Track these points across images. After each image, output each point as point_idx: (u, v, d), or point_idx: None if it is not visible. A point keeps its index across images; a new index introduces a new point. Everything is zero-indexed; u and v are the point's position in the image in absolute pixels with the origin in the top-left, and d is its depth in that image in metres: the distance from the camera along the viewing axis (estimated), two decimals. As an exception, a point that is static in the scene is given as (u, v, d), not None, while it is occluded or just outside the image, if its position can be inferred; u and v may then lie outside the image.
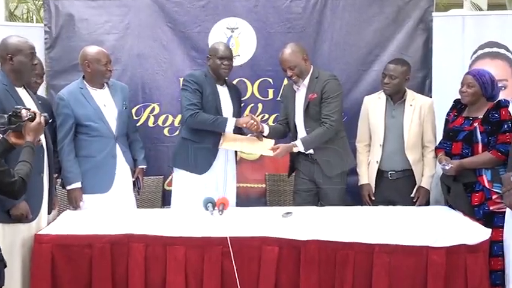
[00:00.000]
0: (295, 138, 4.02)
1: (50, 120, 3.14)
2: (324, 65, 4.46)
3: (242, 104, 4.39)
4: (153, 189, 4.63)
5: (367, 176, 4.08)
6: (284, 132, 4.17)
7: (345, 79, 4.53)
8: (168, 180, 4.64)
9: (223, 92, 4.06)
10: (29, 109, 2.84)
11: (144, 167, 4.11)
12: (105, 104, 3.88)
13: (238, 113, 4.12)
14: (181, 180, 4.04)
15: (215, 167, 4.00)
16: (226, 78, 4.11)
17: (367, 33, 4.61)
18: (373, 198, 4.04)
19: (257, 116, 4.58)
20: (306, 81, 3.96)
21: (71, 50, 4.52)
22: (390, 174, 3.99)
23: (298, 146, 3.90)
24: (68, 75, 4.50)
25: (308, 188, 4.04)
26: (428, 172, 3.97)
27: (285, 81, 4.51)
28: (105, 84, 3.93)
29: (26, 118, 2.78)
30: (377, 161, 4.00)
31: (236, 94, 4.17)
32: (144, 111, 4.67)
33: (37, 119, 2.83)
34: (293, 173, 4.20)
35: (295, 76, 3.92)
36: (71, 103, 3.77)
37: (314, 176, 3.99)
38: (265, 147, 3.94)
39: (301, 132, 4.00)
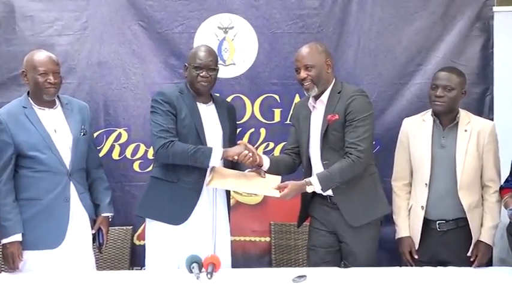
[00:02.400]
0: (309, 174, 4.04)
1: None
2: (348, 77, 4.55)
3: (239, 129, 4.46)
4: (119, 244, 4.66)
5: (407, 226, 4.10)
6: (293, 165, 4.18)
7: (377, 96, 4.63)
8: (138, 231, 4.69)
9: (207, 112, 4.08)
10: None
11: (109, 215, 4.11)
12: (56, 128, 3.89)
13: (231, 140, 4.13)
14: (155, 233, 4.05)
15: (199, 214, 4.00)
16: (216, 95, 4.17)
17: (407, 35, 4.70)
18: (416, 257, 4.05)
19: (259, 145, 4.67)
20: (325, 96, 3.97)
21: (9, 57, 4.61)
22: (439, 224, 4.00)
23: (314, 185, 3.89)
24: (5, 90, 4.60)
25: (327, 242, 4.04)
26: (490, 221, 3.98)
27: (297, 98, 4.60)
28: (57, 103, 3.96)
29: None
30: (422, 207, 4.02)
31: (229, 115, 4.19)
32: (106, 138, 4.72)
33: None
34: (305, 222, 4.22)
35: (309, 81, 3.93)
36: (10, 127, 3.79)
37: (335, 227, 4.00)
38: (269, 186, 3.93)
39: (317, 166, 4.01)
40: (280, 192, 3.85)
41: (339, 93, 3.96)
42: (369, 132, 3.92)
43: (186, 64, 4.06)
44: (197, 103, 4.05)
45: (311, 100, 4.02)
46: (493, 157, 4.02)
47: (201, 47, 4.11)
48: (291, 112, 4.48)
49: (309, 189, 3.90)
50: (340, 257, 4.06)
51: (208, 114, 4.07)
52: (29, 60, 3.88)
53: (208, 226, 4.05)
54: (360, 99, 3.93)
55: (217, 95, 4.37)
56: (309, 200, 4.12)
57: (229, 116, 4.18)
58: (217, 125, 4.08)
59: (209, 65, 4.00)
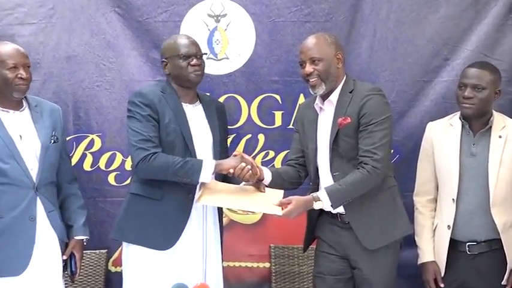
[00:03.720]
0: (316, 188, 4.04)
1: None
2: (361, 74, 4.61)
3: (232, 136, 4.55)
4: (92, 271, 4.69)
5: (432, 249, 4.13)
6: (298, 178, 4.19)
7: (396, 95, 4.68)
8: (114, 256, 4.73)
9: (194, 114, 4.09)
10: None
11: (83, 238, 4.12)
12: (22, 134, 3.89)
13: (222, 147, 4.15)
14: (135, 258, 4.05)
15: (187, 237, 4.01)
16: (206, 94, 4.19)
17: (431, 24, 4.74)
18: (442, 286, 4.09)
19: (257, 154, 4.73)
20: (335, 96, 3.98)
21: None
22: (469, 246, 4.03)
23: (322, 201, 3.84)
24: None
25: (337, 269, 4.05)
26: None
27: (301, 98, 4.65)
28: (24, 104, 3.98)
29: None
30: (448, 226, 4.04)
31: (219, 116, 4.19)
32: (77, 146, 4.75)
33: None
34: (311, 245, 4.24)
35: (316, 77, 3.92)
36: (-32, 132, 3.82)
37: (346, 250, 4.01)
38: (269, 202, 3.88)
39: (326, 178, 4.01)
40: (282, 209, 3.79)
41: (350, 92, 3.95)
42: (387, 138, 3.90)
43: (165, 59, 4.07)
44: (182, 104, 4.06)
45: (318, 100, 4.04)
46: None
47: (179, 35, 4.19)
48: (295, 115, 4.50)
49: (317, 206, 3.85)
50: (353, 286, 4.07)
51: (196, 117, 4.08)
52: None
53: (197, 250, 4.04)
54: (376, 99, 3.92)
55: (208, 94, 4.42)
56: (315, 218, 4.12)
57: (220, 118, 4.20)
58: (206, 130, 4.10)
59: (198, 52, 4.05)
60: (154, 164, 3.87)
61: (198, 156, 3.96)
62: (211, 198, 3.92)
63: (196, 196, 3.92)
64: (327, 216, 4.03)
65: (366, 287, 4.00)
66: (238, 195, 3.97)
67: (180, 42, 4.04)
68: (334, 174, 3.94)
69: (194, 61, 4.00)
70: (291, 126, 4.67)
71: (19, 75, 3.85)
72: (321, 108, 4.04)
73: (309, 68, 3.91)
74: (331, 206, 3.84)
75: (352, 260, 4.01)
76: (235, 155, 3.97)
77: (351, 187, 3.84)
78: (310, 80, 3.92)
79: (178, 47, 4.02)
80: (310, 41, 3.98)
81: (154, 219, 3.94)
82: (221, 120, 4.21)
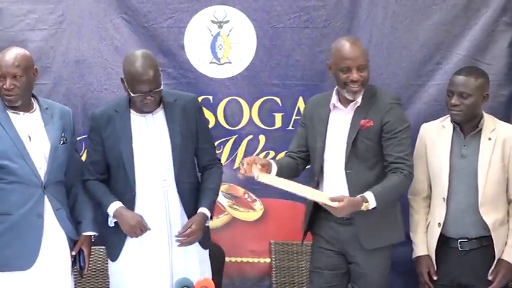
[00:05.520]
0: (317, 183, 4.05)
1: None
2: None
3: (234, 136, 4.61)
4: (100, 266, 4.73)
5: (425, 244, 4.16)
6: (296, 170, 4.17)
7: (391, 98, 4.70)
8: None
9: (151, 124, 4.04)
10: None
11: (91, 234, 4.10)
12: (32, 135, 3.90)
13: (185, 150, 4.04)
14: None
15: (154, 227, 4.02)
16: (173, 94, 4.15)
17: (424, 29, 4.76)
18: (435, 278, 4.12)
19: (258, 154, 4.75)
20: (359, 98, 3.97)
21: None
22: (460, 243, 4.06)
23: (370, 202, 3.79)
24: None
25: (334, 264, 4.08)
26: None
27: (300, 101, 4.71)
28: (35, 106, 4.01)
29: None
30: (439, 224, 4.08)
31: (185, 115, 4.05)
32: (85, 147, 4.69)
33: None
34: (309, 240, 4.25)
35: (360, 84, 3.90)
36: (-23, 133, 3.85)
37: (344, 246, 4.03)
38: (323, 194, 3.86)
39: (336, 175, 4.00)
40: (336, 203, 3.72)
41: (372, 97, 3.99)
42: (411, 146, 4.03)
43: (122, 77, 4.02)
44: (136, 116, 4.05)
45: (334, 99, 4.03)
46: None
47: (135, 64, 3.94)
48: (304, 110, 4.35)
49: (364, 207, 3.80)
50: (348, 281, 4.12)
51: (151, 127, 4.06)
52: None
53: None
54: (399, 109, 4.01)
55: (177, 91, 4.37)
56: (309, 214, 4.13)
57: (186, 116, 4.08)
58: (163, 137, 4.04)
59: (151, 88, 3.92)
60: (87, 189, 4.12)
61: (142, 167, 4.01)
62: (269, 178, 3.87)
63: (256, 175, 3.81)
64: (324, 212, 3.98)
65: (361, 282, 4.03)
66: (292, 184, 3.90)
67: (134, 74, 3.93)
68: (348, 171, 3.96)
69: (148, 98, 3.90)
70: (290, 127, 4.73)
71: (4, 86, 3.84)
72: (334, 106, 4.04)
73: (355, 74, 3.87)
74: (375, 207, 3.81)
75: (350, 255, 4.03)
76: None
77: (392, 190, 3.90)
78: (355, 87, 3.90)
79: (132, 82, 3.93)
80: (356, 47, 3.95)
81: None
82: (187, 118, 4.08)
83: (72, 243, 4.05)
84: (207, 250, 4.18)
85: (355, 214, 3.85)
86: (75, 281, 4.20)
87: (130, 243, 4.03)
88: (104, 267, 4.68)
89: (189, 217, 4.02)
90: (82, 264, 4.08)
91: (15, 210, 3.83)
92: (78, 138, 4.54)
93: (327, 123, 4.05)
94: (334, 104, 4.03)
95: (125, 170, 3.99)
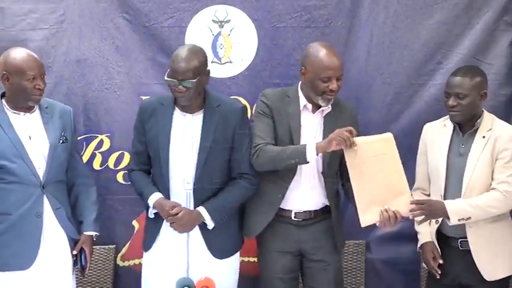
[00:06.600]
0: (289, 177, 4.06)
1: None
2: (359, 76, 4.65)
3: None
4: (100, 266, 4.70)
5: (428, 232, 4.14)
6: None
7: (392, 97, 4.71)
8: (122, 251, 4.75)
9: (188, 124, 4.03)
10: None
11: (93, 234, 4.09)
12: (32, 135, 3.89)
13: (212, 154, 3.99)
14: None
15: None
16: (219, 99, 4.10)
17: (426, 29, 4.75)
18: (441, 261, 4.07)
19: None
20: (329, 105, 4.04)
21: (-24, 55, 4.65)
22: (460, 243, 4.05)
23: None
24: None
25: (291, 266, 4.17)
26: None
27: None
28: (35, 106, 3.97)
29: None
30: (436, 221, 4.08)
31: (224, 121, 4.02)
32: (86, 146, 4.75)
33: None
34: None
35: (334, 94, 3.95)
36: (-23, 133, 3.84)
37: (303, 245, 4.14)
38: (403, 200, 3.88)
39: (313, 167, 4.05)
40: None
41: (336, 105, 4.06)
42: None
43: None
44: (179, 113, 4.03)
45: (305, 100, 4.05)
46: (507, 163, 3.97)
47: (180, 50, 3.96)
48: (265, 101, 4.15)
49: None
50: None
51: (188, 127, 4.03)
52: (10, 62, 3.85)
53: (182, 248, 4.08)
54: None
55: (227, 98, 4.37)
56: None
57: (223, 124, 4.03)
58: (195, 139, 4.01)
59: (184, 68, 3.89)
60: (131, 179, 4.23)
61: (174, 165, 4.00)
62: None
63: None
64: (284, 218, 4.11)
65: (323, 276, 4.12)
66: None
67: (174, 58, 3.93)
68: (322, 171, 4.05)
69: (179, 87, 3.88)
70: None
71: (37, 86, 3.85)
72: (305, 107, 4.07)
73: (335, 84, 3.92)
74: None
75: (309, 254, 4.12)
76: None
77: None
78: (331, 95, 3.95)
79: (172, 61, 3.93)
80: (337, 57, 3.97)
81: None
82: (226, 126, 4.03)
83: (73, 242, 4.04)
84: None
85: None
86: (76, 281, 4.18)
87: (162, 235, 4.05)
88: (105, 267, 4.71)
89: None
90: (83, 263, 4.05)
91: (15, 210, 3.82)
92: (79, 138, 4.55)
93: (300, 122, 4.06)
94: (305, 105, 4.06)
95: (160, 164, 4.00)
